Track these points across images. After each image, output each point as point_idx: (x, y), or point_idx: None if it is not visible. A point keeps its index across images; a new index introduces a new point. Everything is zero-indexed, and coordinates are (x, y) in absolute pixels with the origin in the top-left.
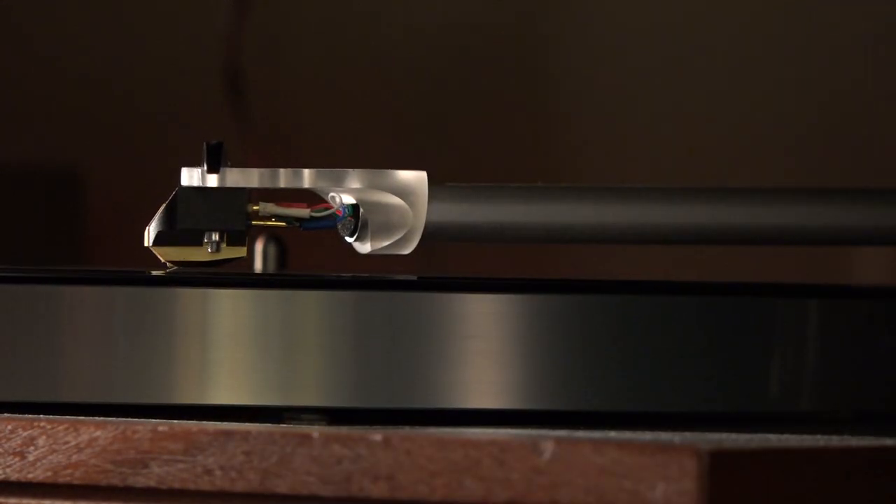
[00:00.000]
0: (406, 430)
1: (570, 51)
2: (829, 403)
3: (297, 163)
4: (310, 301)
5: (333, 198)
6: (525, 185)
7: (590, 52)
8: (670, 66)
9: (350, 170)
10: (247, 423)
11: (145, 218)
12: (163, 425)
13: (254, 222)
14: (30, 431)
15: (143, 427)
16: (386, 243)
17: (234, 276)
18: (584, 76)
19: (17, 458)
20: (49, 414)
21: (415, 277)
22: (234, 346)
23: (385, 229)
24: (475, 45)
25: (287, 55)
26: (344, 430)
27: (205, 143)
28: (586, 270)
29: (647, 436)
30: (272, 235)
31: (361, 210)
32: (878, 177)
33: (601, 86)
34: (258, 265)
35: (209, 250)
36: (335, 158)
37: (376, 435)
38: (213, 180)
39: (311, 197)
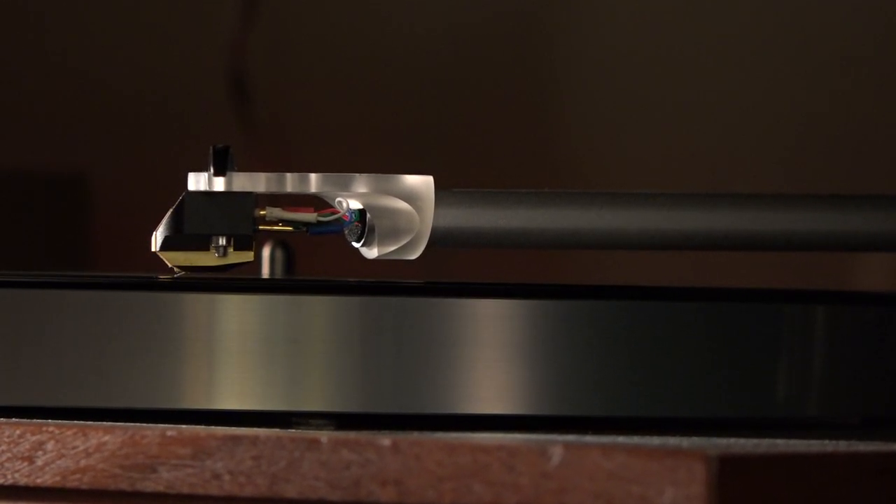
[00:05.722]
0: (415, 435)
1: (576, 55)
2: (837, 408)
3: (304, 167)
4: (317, 306)
5: (340, 202)
6: (532, 190)
7: (595, 56)
8: (674, 68)
9: (357, 174)
10: (255, 428)
11: (152, 222)
12: (171, 430)
13: (261, 227)
14: (38, 436)
15: (151, 432)
16: (393, 248)
17: (241, 280)
18: (590, 80)
19: (25, 463)
20: (57, 419)
21: (422, 282)
22: (241, 351)
23: (392, 234)
24: (481, 49)
25: (293, 60)
26: (352, 435)
27: (211, 147)
28: (594, 276)
29: (655, 441)
30: (279, 240)
31: (368, 215)
32: (879, 180)
33: (607, 89)
34: (265, 270)
35: (216, 255)
36: (342, 163)
37: (385, 439)
38: (219, 184)
39: (317, 201)
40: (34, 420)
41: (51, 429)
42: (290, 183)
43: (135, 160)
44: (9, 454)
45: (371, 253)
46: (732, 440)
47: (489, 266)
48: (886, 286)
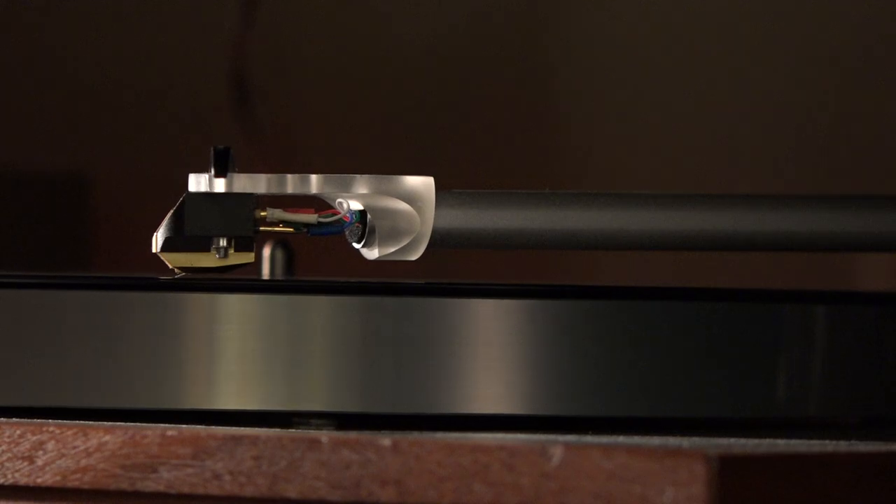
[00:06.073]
0: (415, 435)
1: (576, 55)
2: (838, 408)
3: (305, 168)
4: (318, 306)
5: (341, 203)
6: (532, 190)
7: (595, 56)
8: (674, 68)
9: (357, 175)
10: (255, 428)
11: (152, 222)
12: (172, 430)
13: (261, 228)
14: (38, 436)
15: (152, 432)
16: (393, 249)
17: (241, 281)
18: (590, 79)
19: (25, 463)
20: (58, 419)
21: (422, 282)
22: (242, 352)
23: (392, 235)
24: (481, 49)
25: (293, 61)
26: (353, 435)
27: (212, 149)
28: (594, 276)
29: (655, 441)
30: (279, 241)
31: (369, 216)
32: (879, 180)
33: (607, 89)
34: (266, 271)
35: (217, 256)
36: (342, 163)
37: (385, 440)
38: (220, 186)
39: (318, 202)
40: (34, 420)
41: (51, 429)
42: (290, 184)
43: (135, 160)
44: (9, 454)
45: (372, 254)
46: (733, 440)
47: (489, 266)
48: (886, 286)
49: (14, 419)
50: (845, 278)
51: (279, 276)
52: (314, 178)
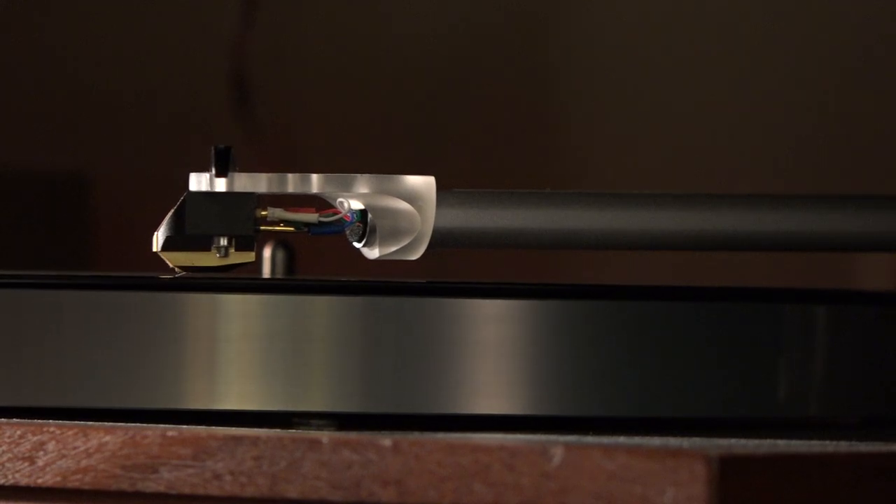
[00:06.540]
0: (415, 435)
1: (577, 55)
2: (838, 409)
3: (305, 168)
4: (318, 306)
5: (342, 203)
6: (534, 190)
7: (595, 56)
8: (674, 68)
9: (358, 175)
10: (256, 429)
11: (152, 222)
12: (172, 430)
13: (262, 227)
14: (39, 436)
15: (152, 432)
16: (394, 248)
17: (242, 280)
18: (590, 79)
19: (26, 464)
20: (58, 419)
21: (423, 282)
22: (242, 352)
23: (393, 234)
24: (481, 48)
25: (293, 61)
26: (353, 435)
27: (213, 148)
28: (594, 276)
29: (656, 441)
30: (280, 240)
31: (370, 215)
32: (879, 180)
33: (607, 89)
34: (266, 270)
35: (218, 255)
36: (342, 164)
37: (386, 440)
38: (221, 185)
39: (319, 202)
40: (35, 420)
41: (52, 429)
42: (291, 183)
43: (135, 160)
44: (10, 454)
45: (372, 253)
46: (733, 440)
47: (489, 266)
48: (886, 286)
49: (14, 419)
50: (845, 278)
51: (280, 275)
52: (315, 177)
